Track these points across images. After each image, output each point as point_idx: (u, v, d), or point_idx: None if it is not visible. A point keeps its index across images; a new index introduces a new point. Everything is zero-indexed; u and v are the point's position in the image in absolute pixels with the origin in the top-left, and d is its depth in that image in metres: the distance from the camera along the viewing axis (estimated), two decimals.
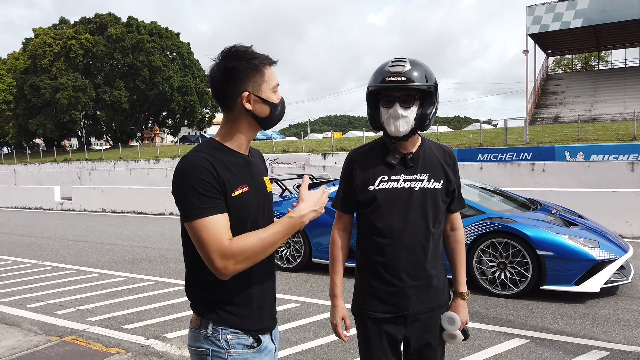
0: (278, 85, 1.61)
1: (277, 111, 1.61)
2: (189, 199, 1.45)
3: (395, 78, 1.79)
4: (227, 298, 1.56)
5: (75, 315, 5.13)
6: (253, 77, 1.54)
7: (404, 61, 1.82)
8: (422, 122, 1.85)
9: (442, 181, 1.91)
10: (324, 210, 1.59)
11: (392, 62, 1.84)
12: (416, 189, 1.88)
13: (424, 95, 1.85)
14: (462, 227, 2.06)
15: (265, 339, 1.63)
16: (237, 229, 1.54)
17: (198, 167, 1.47)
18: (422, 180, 1.89)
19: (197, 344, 1.57)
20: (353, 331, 2.02)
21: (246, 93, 1.54)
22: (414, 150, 1.92)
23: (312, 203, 1.56)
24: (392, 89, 1.81)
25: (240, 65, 1.52)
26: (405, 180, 1.88)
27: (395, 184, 1.88)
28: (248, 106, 1.55)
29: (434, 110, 1.87)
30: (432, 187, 1.89)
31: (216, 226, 1.45)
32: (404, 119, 1.81)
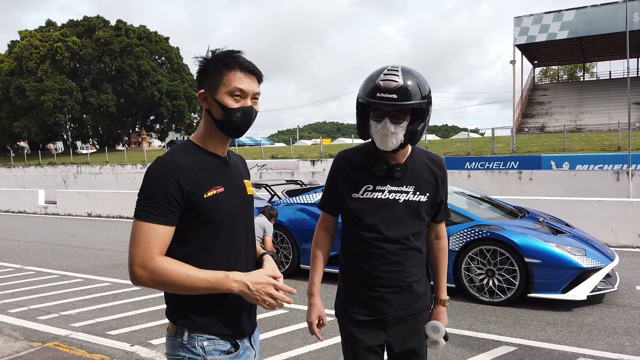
0: (241, 91, 1.51)
1: (234, 117, 1.52)
2: (144, 199, 1.46)
3: (386, 95, 1.70)
4: (201, 303, 1.53)
5: (59, 321, 5.03)
6: (212, 77, 1.53)
7: (397, 73, 1.73)
8: (411, 138, 1.80)
9: (427, 194, 1.90)
10: (260, 295, 1.48)
11: (384, 73, 1.74)
12: (400, 201, 1.86)
13: (416, 111, 1.78)
14: (446, 236, 2.07)
15: (243, 343, 1.61)
16: (213, 229, 1.54)
17: (166, 174, 1.46)
18: (407, 193, 1.87)
19: (174, 352, 1.56)
20: (335, 338, 1.99)
21: (202, 91, 1.56)
22: (402, 160, 1.88)
23: (252, 279, 1.48)
24: (383, 104, 1.74)
25: (206, 64, 1.54)
26: (390, 192, 1.86)
27: (379, 195, 1.86)
28: (205, 105, 1.57)
29: (424, 126, 1.80)
30: (417, 200, 1.88)
31: (153, 236, 1.44)
32: (393, 135, 1.75)
